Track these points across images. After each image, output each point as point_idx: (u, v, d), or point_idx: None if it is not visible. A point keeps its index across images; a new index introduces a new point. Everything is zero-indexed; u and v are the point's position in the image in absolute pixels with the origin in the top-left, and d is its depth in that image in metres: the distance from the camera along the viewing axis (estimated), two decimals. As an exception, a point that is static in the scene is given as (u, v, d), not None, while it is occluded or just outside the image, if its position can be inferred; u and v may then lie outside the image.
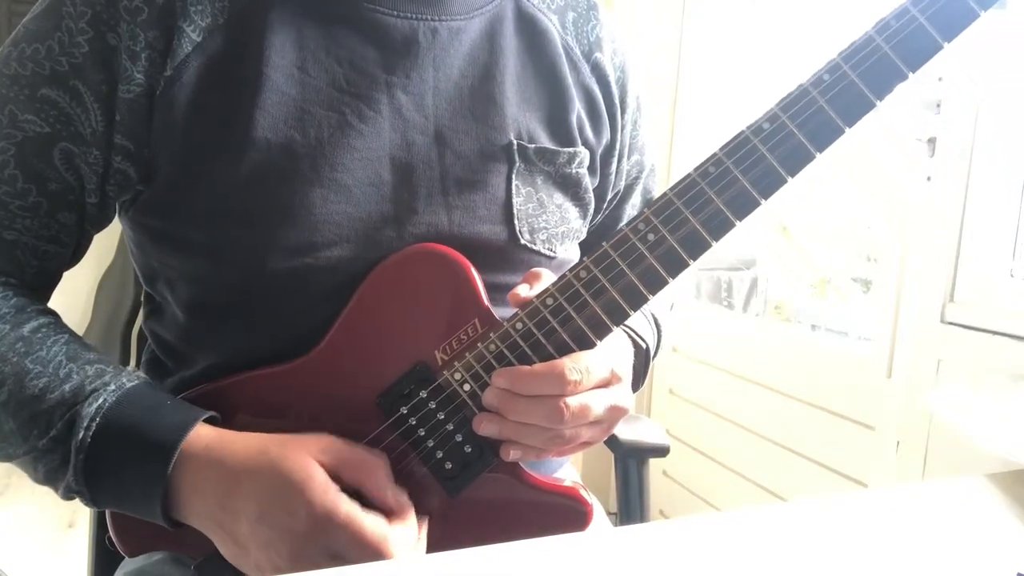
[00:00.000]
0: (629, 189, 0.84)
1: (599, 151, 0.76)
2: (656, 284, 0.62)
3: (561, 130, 0.72)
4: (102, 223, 0.67)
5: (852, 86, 0.62)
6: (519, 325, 0.62)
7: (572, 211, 0.73)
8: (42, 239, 0.63)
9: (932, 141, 1.34)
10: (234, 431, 0.59)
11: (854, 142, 1.62)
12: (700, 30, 2.09)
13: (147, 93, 0.60)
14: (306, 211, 0.62)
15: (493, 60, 0.69)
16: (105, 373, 0.59)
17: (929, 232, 1.35)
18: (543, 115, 0.71)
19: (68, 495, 0.59)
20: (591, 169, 0.75)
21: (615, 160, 0.79)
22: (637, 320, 0.77)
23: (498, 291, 0.65)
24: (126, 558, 0.75)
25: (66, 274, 0.69)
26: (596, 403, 0.61)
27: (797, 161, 0.62)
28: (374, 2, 0.65)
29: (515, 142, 0.69)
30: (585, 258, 0.62)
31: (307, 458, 0.56)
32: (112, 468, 0.57)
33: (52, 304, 0.68)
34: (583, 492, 0.66)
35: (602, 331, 0.62)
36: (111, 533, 0.64)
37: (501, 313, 0.64)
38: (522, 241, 0.69)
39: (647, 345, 0.77)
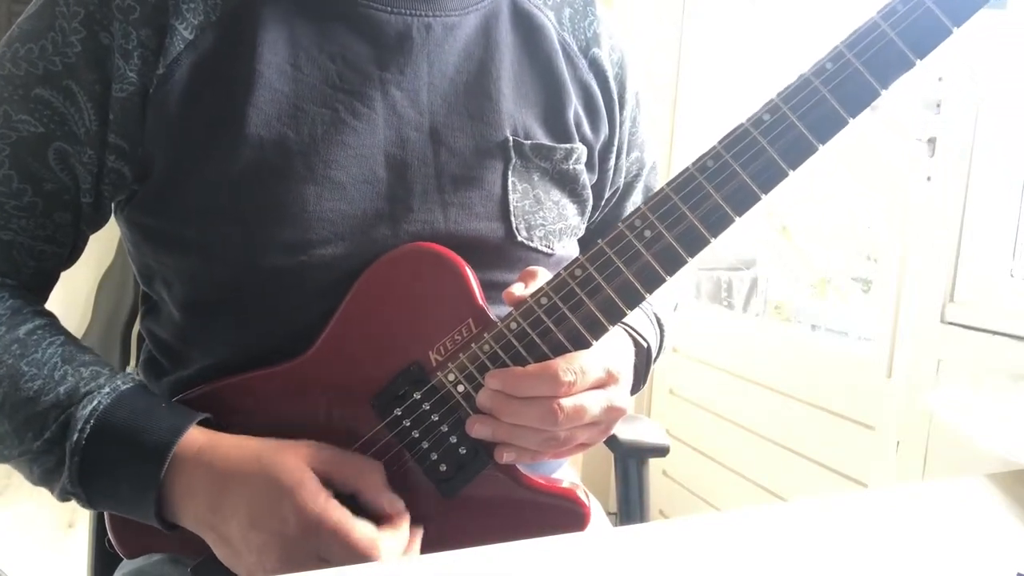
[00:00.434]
0: (629, 187, 0.84)
1: (597, 147, 0.76)
2: (653, 282, 0.61)
3: (558, 126, 0.72)
4: (98, 223, 0.67)
5: (856, 75, 0.59)
6: (513, 325, 0.61)
7: (570, 208, 0.73)
8: (38, 239, 0.63)
9: (932, 141, 1.34)
10: (227, 434, 0.59)
11: (854, 142, 1.62)
12: (700, 30, 2.09)
13: (140, 92, 0.60)
14: (300, 208, 0.61)
15: (488, 56, 0.69)
16: (100, 375, 0.59)
17: (929, 232, 1.35)
18: (539, 111, 0.71)
19: (64, 496, 0.59)
20: (589, 165, 0.75)
21: (613, 156, 0.78)
22: (638, 319, 0.77)
23: (496, 289, 0.65)
24: (124, 559, 0.75)
25: (66, 274, 0.69)
26: (592, 404, 0.60)
27: (799, 154, 0.60)
28: None
29: (511, 138, 0.68)
30: (580, 256, 0.61)
31: (299, 463, 0.56)
32: (106, 470, 0.57)
33: (52, 304, 0.68)
34: (581, 493, 0.65)
35: (598, 330, 0.62)
36: (110, 535, 0.64)
37: (499, 312, 0.64)
38: (519, 238, 0.68)
39: (648, 344, 0.76)
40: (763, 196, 0.61)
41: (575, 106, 0.73)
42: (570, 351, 0.61)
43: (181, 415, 0.59)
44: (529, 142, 0.69)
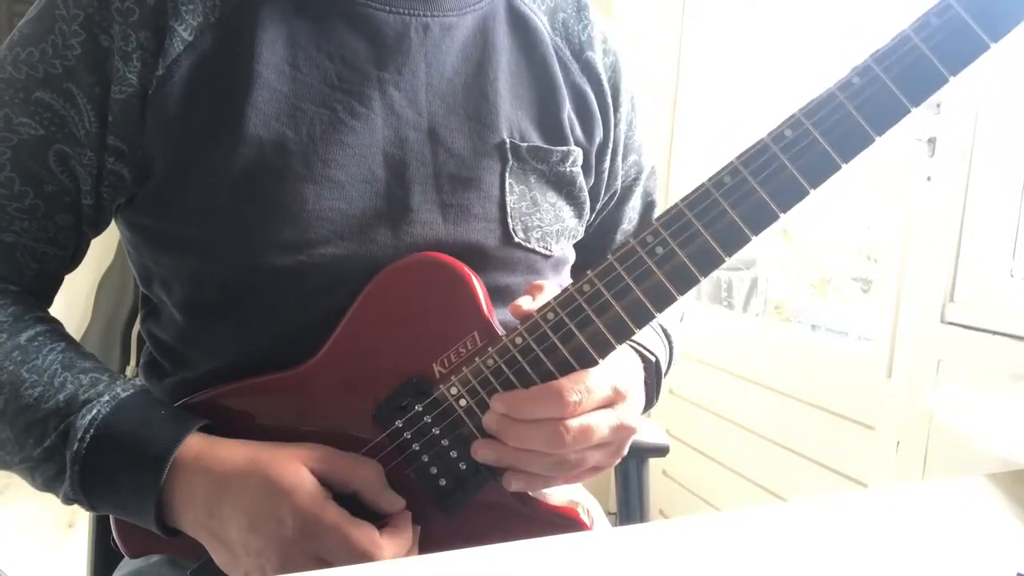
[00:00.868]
0: (628, 190, 0.83)
1: (592, 150, 0.75)
2: (663, 301, 0.59)
3: (553, 129, 0.71)
4: (99, 225, 0.67)
5: (885, 91, 0.56)
6: (518, 340, 0.60)
7: (566, 210, 0.73)
8: (41, 241, 0.63)
9: (932, 141, 1.34)
10: (225, 439, 0.59)
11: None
12: (700, 30, 2.09)
13: (139, 93, 0.60)
14: (299, 207, 0.61)
15: (486, 57, 0.69)
16: (99, 382, 0.59)
17: (929, 232, 1.35)
18: (535, 114, 0.71)
19: (68, 502, 0.59)
20: (585, 168, 0.74)
21: (608, 159, 0.77)
22: (645, 332, 0.75)
23: (495, 291, 0.65)
24: (124, 559, 0.75)
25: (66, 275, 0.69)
26: (600, 424, 0.59)
27: (821, 171, 0.57)
28: None
29: (508, 140, 0.68)
30: (589, 271, 0.60)
31: (297, 464, 0.56)
32: (107, 478, 0.57)
33: (52, 305, 0.68)
34: (582, 512, 0.64)
35: (605, 349, 0.60)
36: (114, 534, 0.64)
37: (499, 315, 0.64)
38: (516, 239, 0.68)
39: (657, 358, 0.74)
40: (782, 215, 0.58)
41: (568, 109, 0.73)
42: (575, 369, 0.59)
43: (180, 422, 0.59)
44: (526, 144, 0.69)
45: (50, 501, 0.59)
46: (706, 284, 2.22)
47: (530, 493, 0.63)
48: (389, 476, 0.61)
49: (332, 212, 0.62)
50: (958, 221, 1.29)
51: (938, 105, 1.33)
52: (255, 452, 0.57)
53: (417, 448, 0.62)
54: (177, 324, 0.67)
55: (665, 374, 0.78)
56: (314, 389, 0.63)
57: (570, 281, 0.77)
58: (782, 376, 1.72)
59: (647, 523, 0.85)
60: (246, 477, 0.56)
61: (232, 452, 0.58)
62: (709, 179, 0.59)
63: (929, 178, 1.35)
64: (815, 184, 0.58)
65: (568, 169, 0.72)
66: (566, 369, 0.60)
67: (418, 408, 0.61)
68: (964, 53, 0.56)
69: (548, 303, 0.60)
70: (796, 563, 0.52)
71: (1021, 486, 0.65)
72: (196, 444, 0.58)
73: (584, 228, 0.77)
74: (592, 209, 0.78)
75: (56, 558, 2.08)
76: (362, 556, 0.54)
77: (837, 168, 0.57)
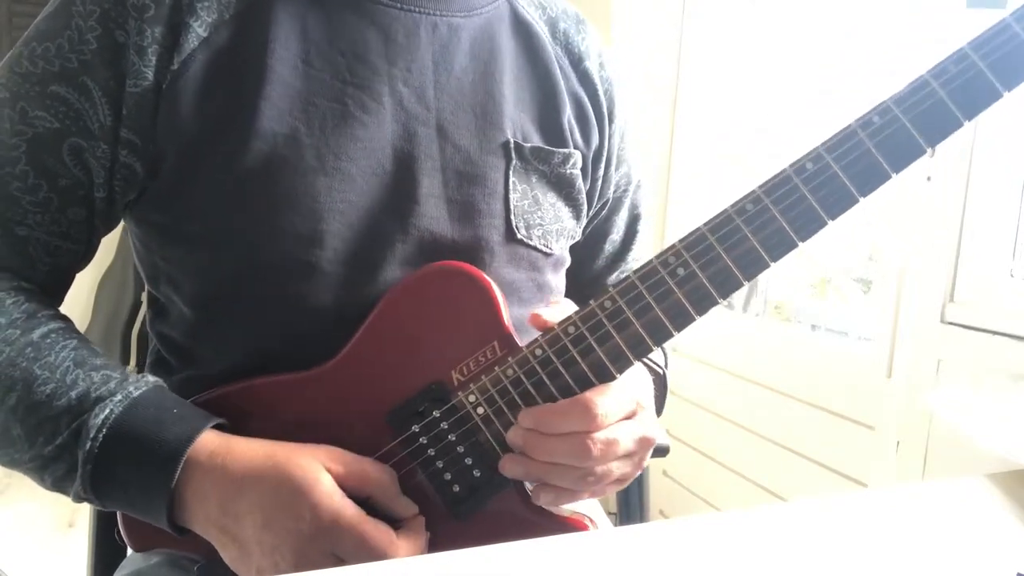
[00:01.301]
0: (618, 201, 0.84)
1: (590, 155, 0.77)
2: (683, 320, 0.61)
3: (554, 132, 0.73)
4: (111, 221, 0.68)
5: (903, 130, 0.59)
6: (538, 351, 0.61)
7: (565, 211, 0.74)
8: (54, 235, 0.64)
9: (932, 141, 1.34)
10: (239, 437, 0.59)
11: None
12: (700, 30, 2.09)
13: (154, 88, 0.61)
14: (311, 199, 0.62)
15: (492, 59, 0.70)
16: (110, 380, 0.59)
17: (929, 232, 1.35)
18: (537, 116, 0.72)
19: (78, 500, 0.59)
20: (583, 172, 0.76)
21: (603, 166, 0.79)
22: None
23: (499, 287, 0.65)
24: (125, 559, 0.76)
25: (66, 274, 0.69)
26: (624, 436, 0.60)
27: (839, 204, 0.60)
28: None
29: (512, 140, 0.69)
30: (611, 288, 0.61)
31: (315, 463, 0.56)
32: (119, 478, 0.57)
33: (62, 303, 0.68)
34: (589, 524, 0.65)
35: (623, 364, 0.61)
36: (120, 528, 0.64)
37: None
38: (518, 236, 0.69)
39: (664, 372, 0.76)
40: (800, 243, 0.61)
41: (569, 114, 0.74)
42: (593, 382, 0.61)
43: (193, 420, 0.59)
44: (529, 145, 0.70)
45: (50, 501, 0.60)
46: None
47: (537, 503, 0.64)
48: (401, 480, 0.61)
49: (343, 204, 0.63)
50: (958, 221, 1.29)
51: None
52: (272, 450, 0.58)
53: (432, 453, 0.62)
54: (187, 321, 0.67)
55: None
56: (331, 390, 0.63)
57: (564, 282, 0.78)
58: (782, 376, 1.72)
59: (647, 523, 0.85)
60: (263, 474, 0.56)
61: (248, 449, 0.58)
62: (732, 205, 0.61)
63: (929, 178, 1.35)
64: (833, 215, 0.61)
65: (568, 171, 0.73)
66: (584, 382, 0.61)
67: (435, 414, 0.62)
68: (979, 100, 0.59)
69: (569, 317, 0.62)
70: (796, 563, 0.52)
71: (1021, 486, 0.65)
72: (210, 442, 0.58)
73: (581, 230, 0.78)
74: (586, 214, 0.80)
75: (56, 558, 2.08)
76: (378, 556, 0.55)
77: (855, 202, 0.61)
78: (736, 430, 1.85)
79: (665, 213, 2.14)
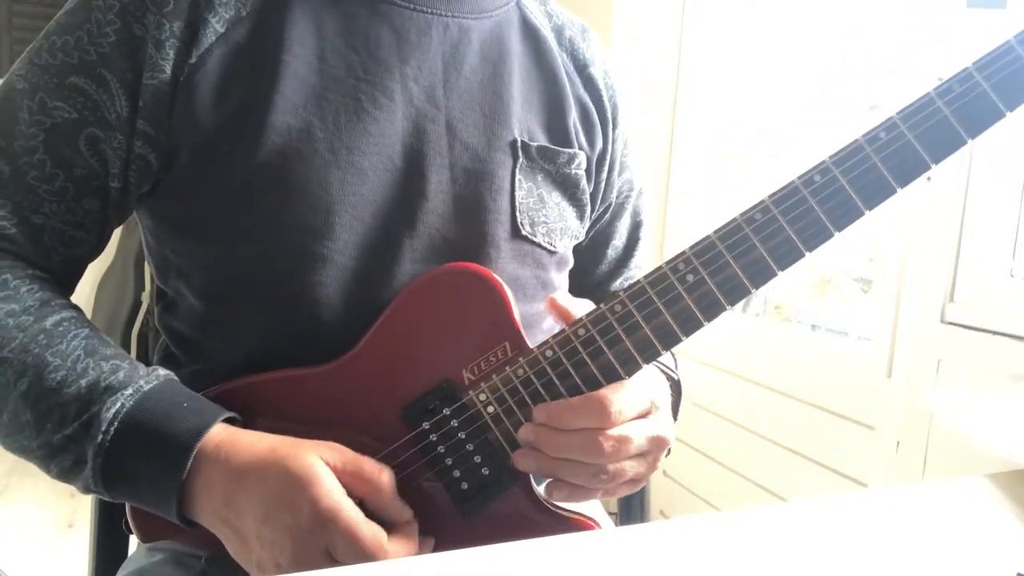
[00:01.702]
0: (620, 207, 0.85)
1: (594, 158, 0.79)
2: (691, 326, 0.62)
3: (559, 132, 0.75)
4: (124, 211, 0.68)
5: (908, 146, 0.61)
6: (549, 352, 0.63)
7: (569, 210, 0.75)
8: (69, 224, 0.64)
9: (932, 141, 1.34)
10: (245, 430, 0.60)
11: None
12: (700, 30, 2.09)
13: (170, 81, 0.62)
14: (324, 191, 0.63)
15: (501, 60, 0.72)
16: (119, 369, 0.59)
17: (929, 232, 1.35)
18: (543, 117, 0.74)
19: (87, 491, 0.60)
20: (587, 173, 0.77)
21: (606, 169, 0.81)
22: (665, 356, 0.78)
23: (505, 282, 0.66)
24: (127, 558, 0.76)
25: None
26: (637, 434, 0.61)
27: (844, 216, 0.62)
28: None
29: (519, 139, 0.71)
30: (621, 292, 0.63)
31: (315, 458, 0.57)
32: (129, 471, 0.58)
33: (73, 294, 0.69)
34: (594, 526, 0.65)
35: (632, 367, 0.63)
36: (128, 518, 0.65)
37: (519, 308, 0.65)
38: (523, 232, 0.71)
39: (678, 377, 0.77)
40: (807, 254, 0.63)
41: (574, 117, 0.76)
42: (602, 384, 0.62)
43: (204, 414, 0.59)
44: (535, 144, 0.72)
45: (50, 501, 0.60)
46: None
47: (543, 502, 0.65)
48: (410, 477, 0.62)
49: (354, 197, 0.64)
50: (958, 221, 1.29)
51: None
52: (275, 444, 0.58)
53: (442, 451, 0.63)
54: (196, 314, 0.68)
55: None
56: (342, 386, 0.64)
57: (568, 282, 0.79)
58: (782, 376, 1.72)
59: (647, 523, 0.85)
60: (265, 468, 0.56)
61: (252, 444, 0.58)
62: (741, 214, 0.63)
63: (929, 178, 1.35)
64: (839, 227, 0.62)
65: (573, 171, 0.75)
66: (593, 384, 0.62)
67: (446, 412, 0.63)
68: (982, 119, 0.62)
69: (580, 319, 0.63)
70: (796, 563, 0.52)
71: (1021, 486, 0.65)
72: (218, 434, 0.58)
73: (585, 231, 0.79)
74: (590, 215, 0.81)
75: (56, 558, 2.08)
76: (367, 558, 0.55)
77: (861, 214, 0.62)
78: (736, 430, 1.85)
79: (665, 215, 2.15)
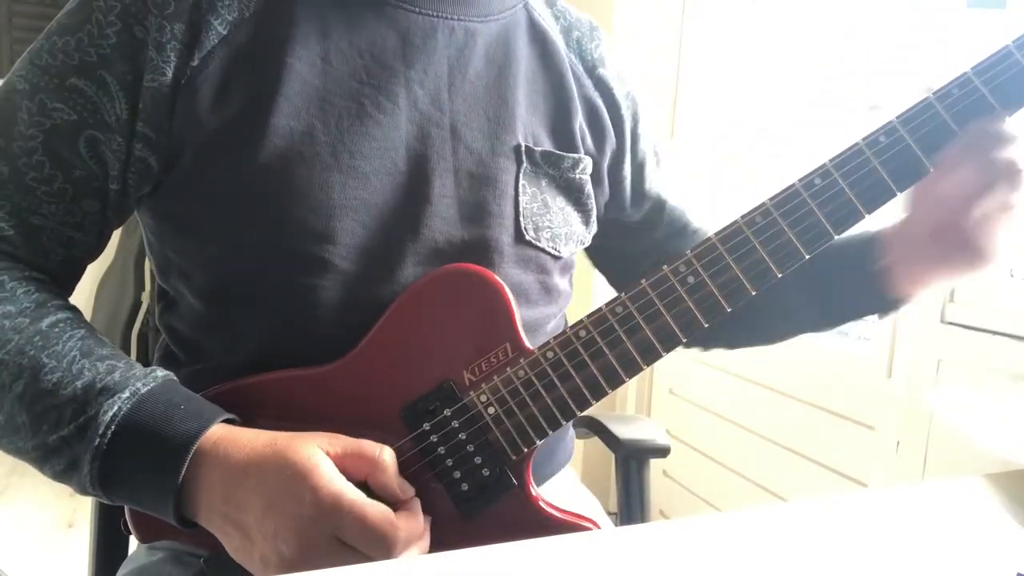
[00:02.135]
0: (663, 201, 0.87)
1: (604, 161, 0.78)
2: (691, 327, 0.63)
3: (564, 137, 0.74)
4: (123, 213, 0.68)
5: (908, 150, 0.62)
6: (550, 354, 0.63)
7: (573, 215, 0.75)
8: (67, 226, 0.64)
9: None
10: (244, 428, 0.60)
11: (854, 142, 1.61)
12: (700, 30, 2.09)
13: (171, 84, 0.62)
14: (325, 195, 0.63)
15: (507, 64, 0.71)
16: (115, 369, 0.59)
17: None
18: (548, 122, 0.73)
19: (84, 493, 0.59)
20: (595, 177, 0.77)
21: (627, 166, 0.80)
22: None
23: (508, 288, 0.66)
24: (127, 557, 0.76)
25: (66, 274, 0.69)
26: None
27: (845, 219, 0.62)
28: None
29: (523, 144, 0.71)
30: (623, 294, 0.63)
31: (314, 447, 0.57)
32: (126, 474, 0.58)
33: (72, 295, 0.68)
34: (595, 525, 0.66)
35: (633, 369, 0.63)
36: (127, 519, 0.65)
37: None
38: (527, 237, 0.70)
39: None
40: (807, 256, 0.63)
41: (580, 120, 0.75)
42: (603, 385, 0.63)
43: (201, 417, 0.59)
44: (539, 149, 0.72)
45: (50, 501, 0.60)
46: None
47: (543, 504, 0.65)
48: (410, 477, 0.61)
49: (356, 201, 0.64)
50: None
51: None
52: (273, 438, 0.58)
53: (442, 452, 0.63)
54: (196, 314, 0.68)
55: None
56: (343, 386, 0.64)
57: (571, 286, 0.79)
58: (782, 376, 1.73)
59: (647, 523, 0.85)
60: (264, 461, 0.56)
61: (251, 439, 0.58)
62: (742, 216, 0.63)
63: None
64: (839, 230, 0.63)
65: (577, 176, 0.74)
66: (594, 385, 0.63)
67: (446, 412, 0.63)
68: (980, 116, 0.62)
69: (581, 321, 0.63)
70: (796, 563, 0.52)
71: (1021, 486, 0.65)
72: (215, 433, 0.58)
73: (591, 235, 0.79)
74: (618, 217, 0.82)
75: (56, 558, 2.08)
76: (379, 536, 0.55)
77: (860, 217, 0.63)
78: (736, 430, 1.85)
79: (665, 213, 2.14)
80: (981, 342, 1.24)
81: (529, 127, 0.72)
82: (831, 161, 0.62)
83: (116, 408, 0.57)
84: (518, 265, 0.70)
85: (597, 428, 1.01)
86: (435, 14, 0.68)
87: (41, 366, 0.58)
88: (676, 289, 0.62)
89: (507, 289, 0.65)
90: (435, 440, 0.63)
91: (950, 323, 1.30)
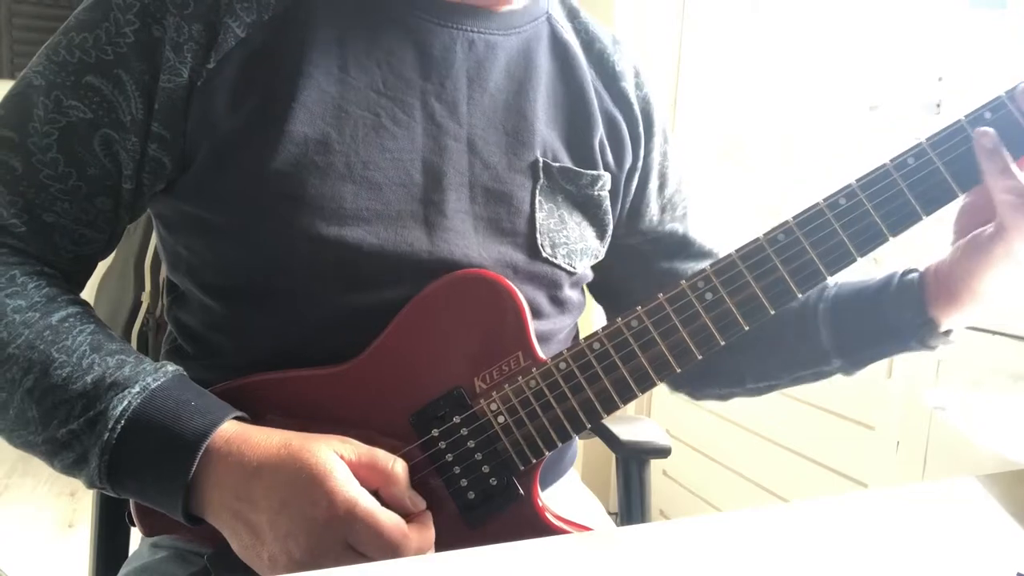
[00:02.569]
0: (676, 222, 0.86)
1: (622, 176, 0.77)
2: (707, 344, 0.62)
3: (582, 152, 0.73)
4: (136, 211, 0.68)
5: (936, 173, 0.61)
6: (562, 365, 0.62)
7: (590, 231, 0.74)
8: (80, 223, 0.64)
9: (932, 141, 1.33)
10: (257, 426, 0.60)
11: (855, 142, 1.62)
12: (700, 30, 2.09)
13: (188, 84, 0.62)
14: (337, 205, 0.63)
15: (527, 77, 0.71)
16: (125, 364, 0.59)
17: (929, 231, 1.34)
18: (567, 137, 0.73)
19: (92, 487, 0.59)
20: (613, 193, 0.76)
21: (636, 183, 0.79)
22: None
23: None
24: (130, 555, 0.76)
25: (66, 274, 0.69)
26: None
27: (868, 240, 0.62)
28: (420, 8, 0.66)
29: (541, 160, 0.70)
30: (639, 307, 0.62)
31: (330, 452, 0.57)
32: (135, 469, 0.58)
33: (82, 291, 0.69)
34: None
35: (646, 384, 0.62)
36: (131, 512, 0.65)
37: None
38: (544, 254, 0.70)
39: None
40: (829, 276, 0.62)
41: (601, 134, 0.75)
42: (615, 399, 0.62)
43: (212, 413, 0.59)
44: (557, 165, 0.71)
45: (50, 501, 0.60)
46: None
47: (549, 515, 0.64)
48: (418, 483, 0.61)
49: (368, 212, 0.64)
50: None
51: (938, 105, 1.33)
52: (287, 438, 0.58)
53: (450, 459, 0.63)
54: (206, 311, 0.68)
55: None
56: (353, 389, 0.63)
57: (583, 296, 0.78)
58: (782, 376, 1.72)
59: (647, 523, 0.85)
60: (279, 462, 0.56)
61: (265, 438, 0.58)
62: (764, 234, 0.62)
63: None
64: (862, 251, 0.62)
65: (596, 193, 0.74)
66: (606, 399, 0.62)
67: (456, 420, 0.63)
68: (1013, 148, 0.61)
69: (595, 333, 0.63)
70: (796, 564, 0.52)
71: (1021, 486, 0.65)
72: (227, 430, 0.58)
73: (605, 250, 0.78)
74: (630, 230, 0.81)
75: (56, 558, 2.08)
76: (391, 546, 0.55)
77: (884, 239, 0.62)
78: (736, 430, 1.85)
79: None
80: (981, 342, 1.24)
81: (548, 142, 0.71)
82: (858, 182, 0.62)
83: (126, 403, 0.57)
84: (532, 281, 0.70)
85: (598, 428, 1.01)
86: (455, 26, 0.67)
87: (51, 361, 0.58)
88: (693, 305, 0.61)
89: (520, 296, 0.65)
90: (443, 447, 0.63)
91: (950, 323, 1.30)
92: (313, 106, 0.63)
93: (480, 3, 0.68)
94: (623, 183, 0.78)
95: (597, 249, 0.76)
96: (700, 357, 0.62)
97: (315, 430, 0.60)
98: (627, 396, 0.62)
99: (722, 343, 0.62)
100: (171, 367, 0.61)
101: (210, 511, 0.58)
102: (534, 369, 0.63)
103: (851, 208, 0.61)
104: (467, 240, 0.67)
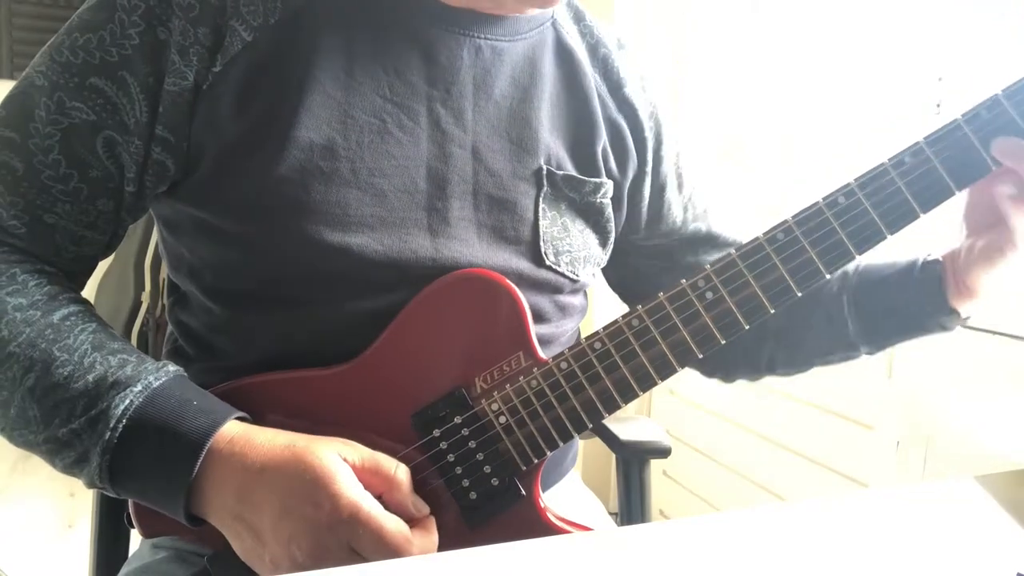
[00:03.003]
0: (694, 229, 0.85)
1: (625, 184, 0.77)
2: (708, 343, 0.62)
3: (586, 159, 0.73)
4: (137, 213, 0.68)
5: (933, 171, 0.61)
6: (564, 365, 0.62)
7: (592, 238, 0.74)
8: (80, 224, 0.64)
9: (932, 141, 1.33)
10: (259, 427, 0.60)
11: (855, 142, 1.62)
12: (700, 31, 2.09)
13: (193, 88, 0.61)
14: (341, 210, 0.63)
15: (532, 84, 0.71)
16: (127, 364, 0.59)
17: (928, 230, 1.34)
18: (571, 144, 0.73)
19: (92, 487, 0.59)
20: (616, 200, 0.76)
21: (647, 188, 0.79)
22: None
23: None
24: (130, 555, 0.76)
25: (66, 274, 0.69)
26: None
27: (867, 238, 0.62)
28: (427, 14, 0.66)
29: (544, 167, 0.70)
30: (640, 307, 0.62)
31: (334, 455, 0.57)
32: (136, 469, 0.58)
33: (83, 290, 0.68)
34: None
35: (647, 383, 0.62)
36: (130, 513, 0.65)
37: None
38: (547, 262, 0.70)
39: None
40: (828, 275, 0.62)
41: (604, 142, 0.74)
42: (616, 399, 0.62)
43: (214, 413, 0.59)
44: (561, 172, 0.71)
45: (50, 501, 0.60)
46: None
47: (550, 515, 0.64)
48: (418, 483, 0.61)
49: (372, 219, 0.63)
50: (958, 219, 1.29)
51: (938, 105, 1.33)
52: (291, 440, 0.58)
53: (452, 459, 0.63)
54: (207, 313, 0.68)
55: None
56: (354, 389, 0.63)
57: (585, 301, 0.78)
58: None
59: (647, 523, 0.85)
60: (283, 464, 0.56)
61: (268, 440, 0.58)
62: (764, 233, 0.62)
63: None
64: (861, 249, 0.62)
65: (598, 200, 0.74)
66: (607, 398, 0.62)
67: (457, 420, 0.63)
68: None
69: (596, 333, 0.63)
70: (796, 563, 0.52)
71: (1021, 486, 0.65)
72: (230, 431, 0.58)
73: (607, 257, 0.78)
74: (638, 238, 0.81)
75: (56, 558, 2.08)
76: (394, 551, 0.55)
77: (883, 238, 0.62)
78: (736, 430, 1.85)
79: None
80: (981, 342, 1.24)
81: (553, 150, 0.71)
82: (856, 181, 0.62)
83: (128, 402, 0.57)
84: (534, 288, 0.70)
85: (598, 429, 1.01)
86: (461, 32, 0.67)
87: (52, 359, 0.58)
88: (694, 304, 0.62)
89: (522, 297, 0.65)
90: (445, 447, 0.63)
91: (950, 323, 1.30)
92: (319, 111, 0.62)
93: (487, 9, 0.67)
94: (627, 190, 0.77)
95: (599, 256, 0.76)
96: (701, 356, 0.62)
97: (315, 431, 0.60)
98: (628, 395, 0.62)
99: (723, 342, 0.62)
100: (172, 367, 0.61)
101: (212, 512, 0.58)
102: (535, 369, 0.63)
103: (849, 207, 0.61)
104: (471, 247, 0.66)
